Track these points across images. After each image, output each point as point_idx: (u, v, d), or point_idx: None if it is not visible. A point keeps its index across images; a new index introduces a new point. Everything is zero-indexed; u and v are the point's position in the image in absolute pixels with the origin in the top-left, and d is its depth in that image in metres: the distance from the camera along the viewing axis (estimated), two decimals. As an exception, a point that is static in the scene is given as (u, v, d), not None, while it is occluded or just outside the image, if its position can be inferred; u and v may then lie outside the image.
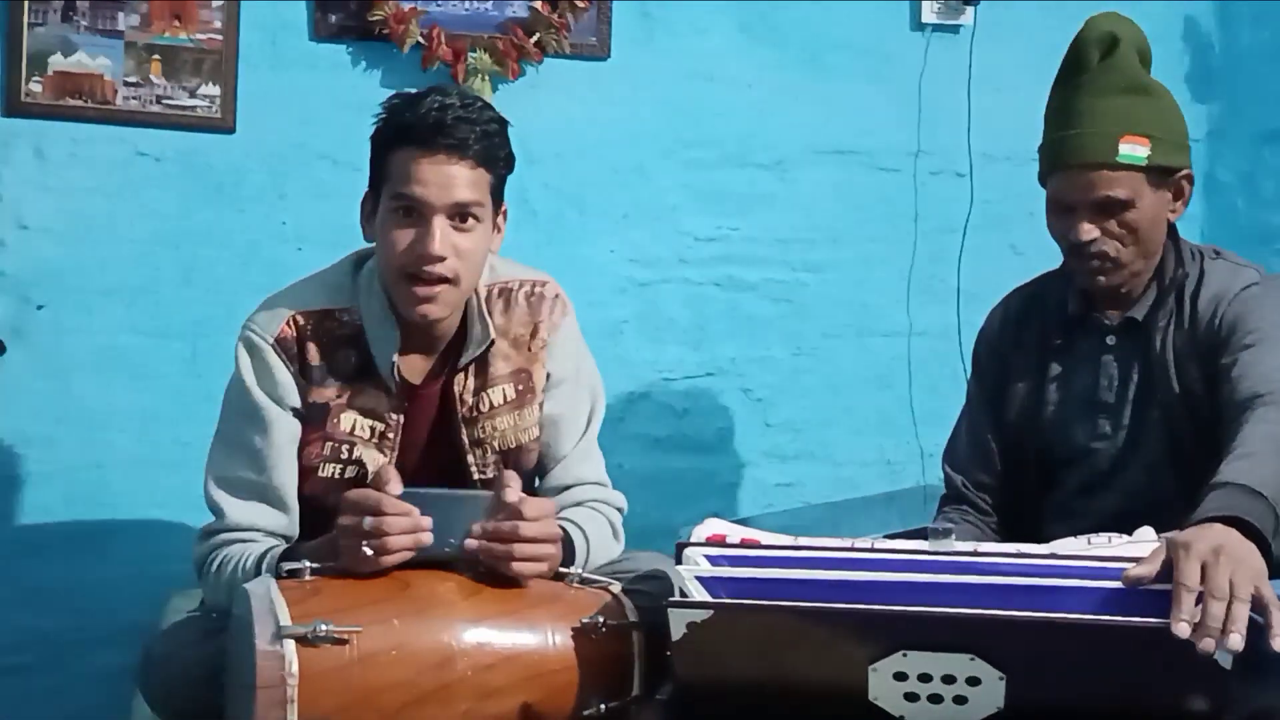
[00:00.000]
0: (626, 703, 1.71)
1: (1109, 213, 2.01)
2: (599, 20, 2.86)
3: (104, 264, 2.69)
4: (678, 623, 1.49)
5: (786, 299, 3.03)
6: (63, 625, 2.67)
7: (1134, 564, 1.50)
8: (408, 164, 1.86)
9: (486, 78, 2.77)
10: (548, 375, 2.03)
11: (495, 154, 1.90)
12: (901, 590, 1.52)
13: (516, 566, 1.74)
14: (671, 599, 1.53)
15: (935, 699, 1.46)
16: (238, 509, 1.90)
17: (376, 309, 1.94)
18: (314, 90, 2.75)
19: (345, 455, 1.93)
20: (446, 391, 1.98)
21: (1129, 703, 1.44)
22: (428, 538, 1.72)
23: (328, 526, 1.80)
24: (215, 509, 1.91)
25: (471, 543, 1.73)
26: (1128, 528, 1.72)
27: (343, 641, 1.58)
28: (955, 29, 3.05)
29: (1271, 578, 1.48)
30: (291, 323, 1.93)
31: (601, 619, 1.71)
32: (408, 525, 1.70)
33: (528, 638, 1.68)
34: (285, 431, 1.91)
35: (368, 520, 1.69)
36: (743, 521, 2.20)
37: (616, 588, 1.79)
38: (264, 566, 1.80)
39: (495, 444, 1.99)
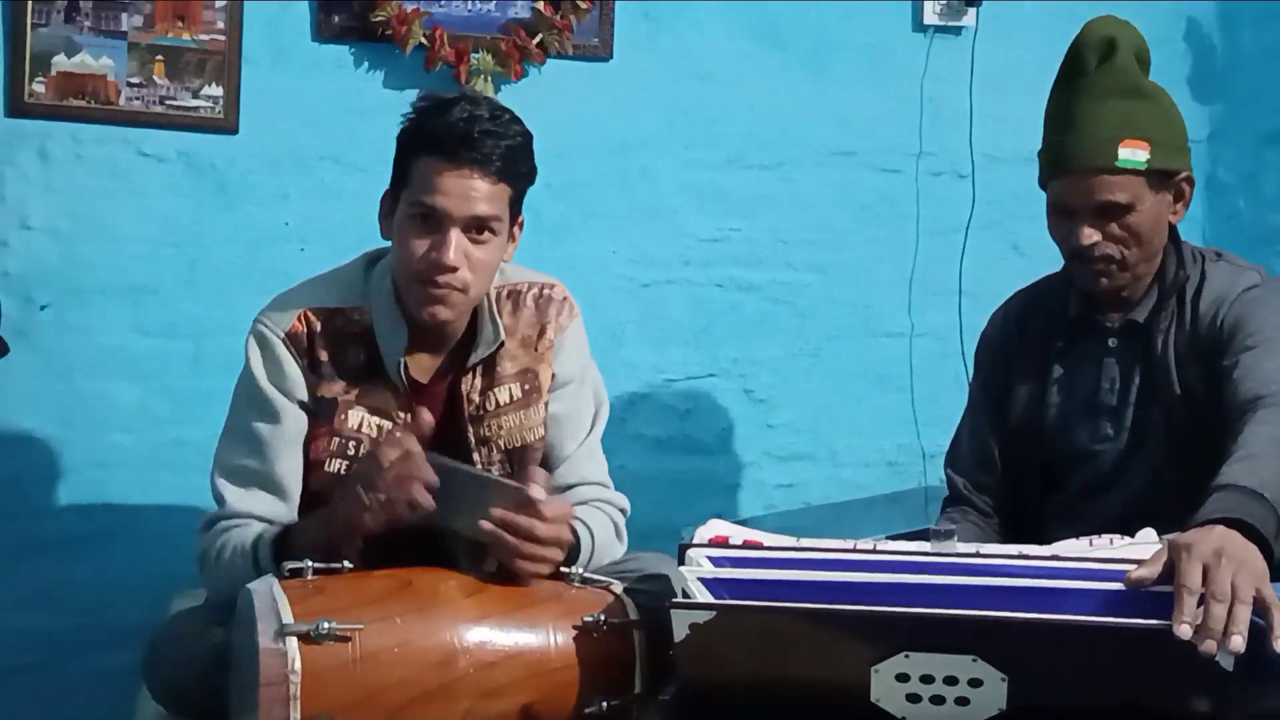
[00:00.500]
0: (628, 701, 1.71)
1: (1109, 217, 2.01)
2: (601, 21, 2.87)
3: (107, 264, 2.69)
4: (680, 624, 1.50)
5: (788, 300, 3.03)
6: (65, 625, 2.68)
7: (1136, 566, 1.50)
8: (430, 173, 1.87)
9: (489, 78, 2.78)
10: (553, 376, 2.04)
11: (518, 168, 1.92)
12: (904, 591, 1.52)
13: (520, 562, 1.75)
14: (674, 600, 1.53)
15: (937, 700, 1.47)
16: (238, 496, 1.92)
17: (386, 309, 1.95)
18: (317, 91, 2.76)
19: (352, 452, 1.94)
20: (453, 390, 1.99)
21: (1131, 704, 1.45)
22: (426, 498, 1.72)
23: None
24: (218, 498, 1.94)
25: (486, 525, 1.74)
26: (1130, 529, 1.72)
27: (345, 639, 1.59)
28: (957, 30, 3.05)
29: (1273, 579, 1.48)
30: (303, 318, 1.95)
31: (603, 617, 1.71)
32: (406, 469, 1.72)
33: (530, 636, 1.68)
34: (292, 424, 1.93)
35: (385, 451, 1.72)
36: (745, 522, 2.20)
37: (618, 587, 1.80)
38: (259, 548, 1.82)
39: (501, 443, 2.00)
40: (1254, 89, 3.10)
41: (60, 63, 2.63)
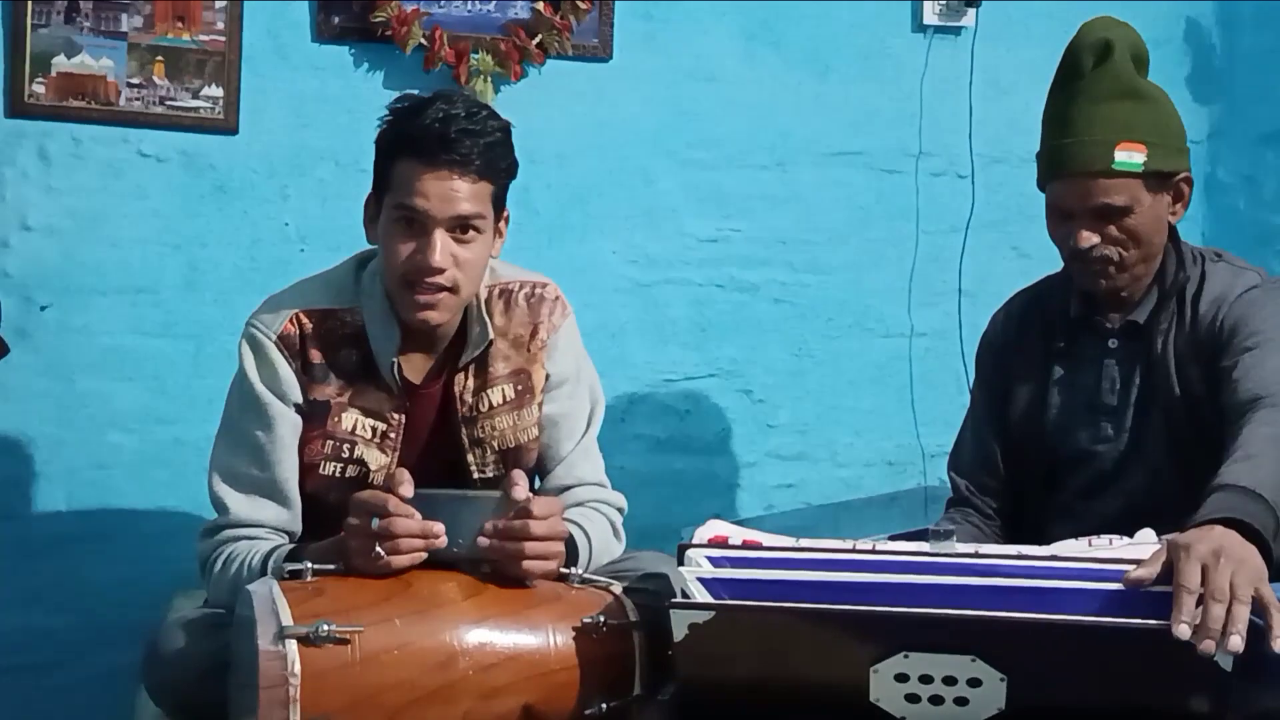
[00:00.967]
0: (628, 702, 1.71)
1: (1108, 219, 2.01)
2: (601, 22, 2.87)
3: (107, 265, 2.69)
4: (680, 624, 1.50)
5: (788, 300, 3.03)
6: (66, 625, 2.68)
7: (1135, 566, 1.51)
8: (410, 176, 1.87)
9: (489, 79, 2.78)
10: (547, 376, 2.04)
11: (498, 165, 1.91)
12: (903, 592, 1.52)
13: (526, 565, 1.74)
14: (673, 600, 1.53)
15: (936, 700, 1.47)
16: (241, 504, 1.91)
17: (378, 310, 1.95)
18: (317, 91, 2.76)
19: (347, 454, 1.94)
20: (447, 391, 1.99)
21: (1129, 704, 1.45)
22: (442, 541, 1.72)
23: (328, 523, 1.82)
24: (219, 504, 1.92)
25: (484, 541, 1.73)
26: (1130, 530, 1.72)
27: (345, 641, 1.58)
28: (957, 30, 3.05)
29: (1272, 580, 1.49)
30: (295, 320, 1.94)
31: (603, 618, 1.71)
32: (417, 528, 1.70)
33: (529, 637, 1.68)
34: (288, 426, 1.93)
35: (376, 521, 1.69)
36: (744, 522, 2.20)
37: (618, 588, 1.80)
38: (270, 566, 1.81)
39: (495, 444, 2.00)
40: (1253, 89, 3.11)
41: (60, 63, 2.63)
